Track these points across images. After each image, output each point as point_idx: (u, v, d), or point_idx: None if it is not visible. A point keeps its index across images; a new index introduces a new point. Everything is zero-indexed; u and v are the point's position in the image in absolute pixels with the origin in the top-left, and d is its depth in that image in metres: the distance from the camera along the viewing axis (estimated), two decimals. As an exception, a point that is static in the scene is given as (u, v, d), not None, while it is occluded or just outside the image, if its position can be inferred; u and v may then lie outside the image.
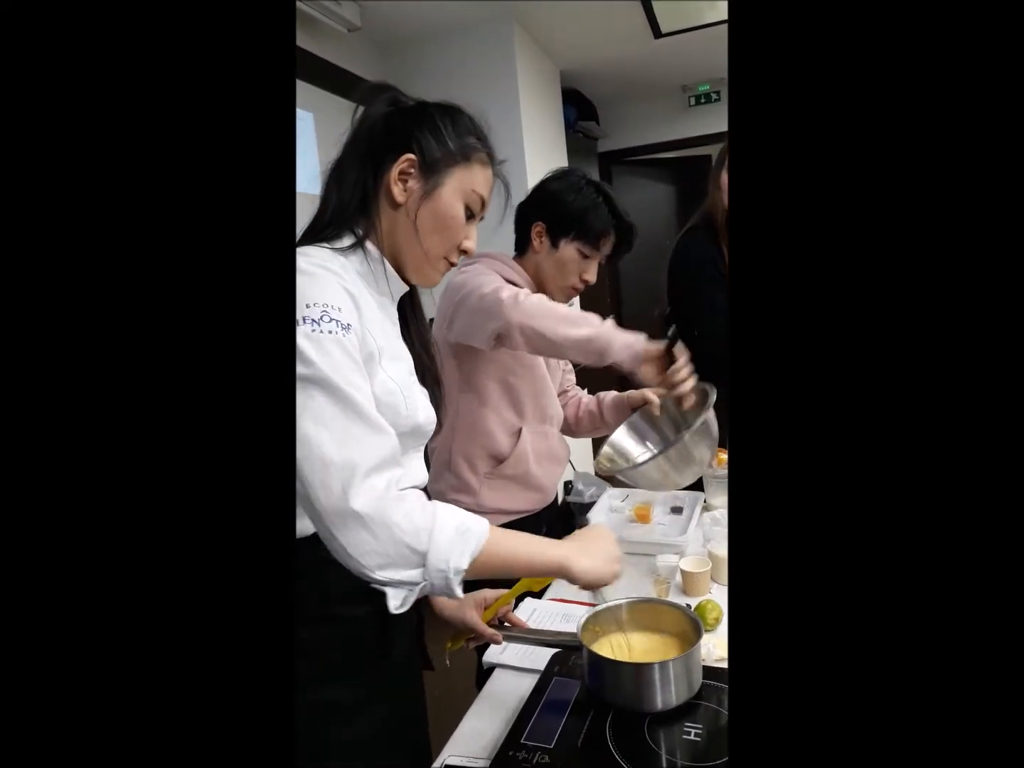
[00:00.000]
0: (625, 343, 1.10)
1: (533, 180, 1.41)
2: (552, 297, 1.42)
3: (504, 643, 1.02)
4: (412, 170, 0.81)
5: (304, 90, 2.43)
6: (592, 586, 0.82)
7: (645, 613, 0.95)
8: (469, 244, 0.86)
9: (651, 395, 1.35)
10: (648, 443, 1.38)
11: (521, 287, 1.34)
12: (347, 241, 0.81)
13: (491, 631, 0.99)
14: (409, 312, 0.92)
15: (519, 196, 1.32)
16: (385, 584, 0.67)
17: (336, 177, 0.83)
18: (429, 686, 0.98)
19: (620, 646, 0.92)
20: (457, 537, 0.68)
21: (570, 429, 1.56)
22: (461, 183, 0.83)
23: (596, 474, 2.50)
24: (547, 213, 1.35)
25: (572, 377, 1.63)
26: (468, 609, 0.98)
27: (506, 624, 1.02)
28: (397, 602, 0.68)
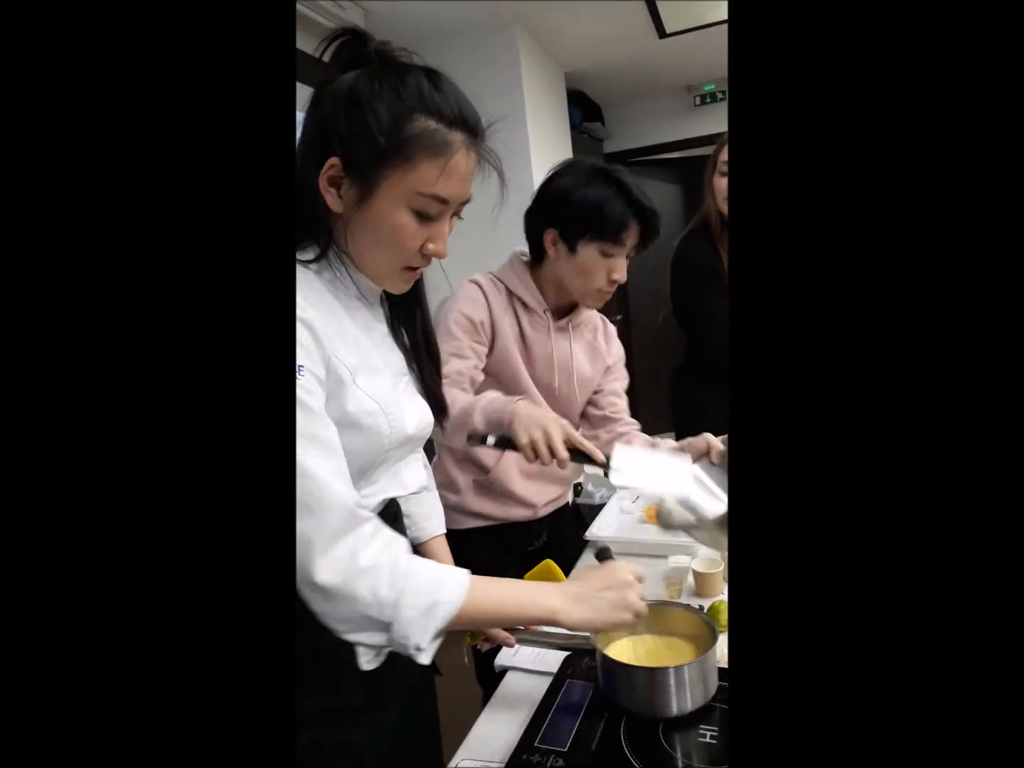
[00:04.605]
0: (484, 419, 1.01)
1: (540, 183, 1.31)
2: (584, 304, 1.32)
3: (516, 645, 1.02)
4: (342, 175, 0.69)
5: (307, 93, 2.42)
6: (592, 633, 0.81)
7: (659, 615, 0.94)
8: (434, 247, 0.73)
9: (715, 441, 1.20)
10: (719, 495, 1.04)
11: (532, 308, 1.29)
12: (311, 253, 0.73)
13: (504, 633, 0.99)
14: (401, 307, 0.86)
15: (526, 200, 1.27)
16: (356, 644, 0.67)
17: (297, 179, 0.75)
18: (437, 688, 0.98)
19: (634, 649, 0.92)
20: (423, 613, 0.66)
21: None
22: (400, 187, 0.68)
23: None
24: (557, 217, 1.22)
25: (620, 403, 1.45)
26: None
27: (518, 626, 1.02)
28: (367, 658, 0.68)
